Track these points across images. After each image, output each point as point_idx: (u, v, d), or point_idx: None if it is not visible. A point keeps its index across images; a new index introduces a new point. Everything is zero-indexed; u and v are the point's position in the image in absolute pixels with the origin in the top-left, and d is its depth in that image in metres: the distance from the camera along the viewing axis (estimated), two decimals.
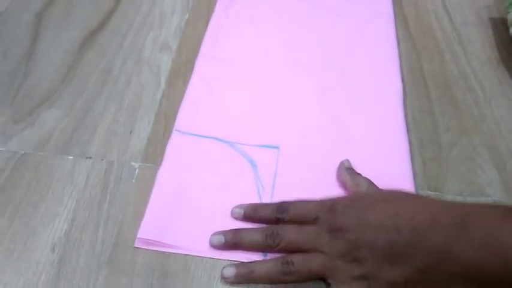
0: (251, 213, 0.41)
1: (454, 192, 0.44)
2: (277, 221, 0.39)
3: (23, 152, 0.47)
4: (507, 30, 0.58)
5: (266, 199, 0.43)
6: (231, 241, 0.39)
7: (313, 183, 0.45)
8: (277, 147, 0.47)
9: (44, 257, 0.40)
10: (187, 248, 0.40)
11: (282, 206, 0.40)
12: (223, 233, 0.40)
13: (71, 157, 0.47)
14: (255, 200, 0.43)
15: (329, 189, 0.44)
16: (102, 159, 0.47)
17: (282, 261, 0.37)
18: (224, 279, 0.38)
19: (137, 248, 0.40)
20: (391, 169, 0.46)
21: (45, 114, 0.50)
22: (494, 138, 0.49)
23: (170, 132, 0.48)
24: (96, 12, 0.62)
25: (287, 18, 0.62)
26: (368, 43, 0.59)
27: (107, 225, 0.42)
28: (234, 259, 0.40)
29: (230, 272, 0.37)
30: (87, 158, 0.47)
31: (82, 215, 0.42)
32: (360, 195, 0.40)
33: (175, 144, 0.47)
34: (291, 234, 0.38)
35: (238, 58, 0.56)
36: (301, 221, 0.38)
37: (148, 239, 0.40)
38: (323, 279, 0.37)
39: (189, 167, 0.45)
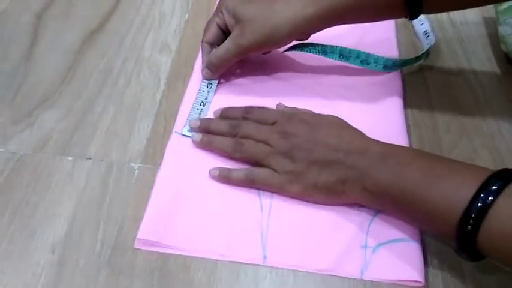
0: (223, 112, 0.49)
1: None
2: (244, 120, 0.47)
3: (22, 153, 0.47)
4: None
5: (266, 199, 0.43)
6: (203, 125, 0.47)
7: None
8: None
9: (44, 258, 0.40)
10: (187, 248, 0.40)
11: (248, 108, 0.48)
12: (199, 120, 0.48)
13: (70, 158, 0.47)
14: (256, 201, 0.43)
15: None
16: (102, 160, 0.46)
17: (236, 141, 0.45)
18: (193, 142, 0.46)
19: (137, 249, 0.40)
20: None
21: (45, 115, 0.50)
22: (495, 138, 0.49)
23: (170, 133, 0.48)
24: (96, 13, 0.62)
25: None
26: (368, 44, 0.58)
27: (107, 226, 0.42)
28: (235, 260, 0.40)
29: (196, 136, 0.47)
30: (86, 159, 0.47)
31: (81, 216, 0.42)
32: (319, 116, 0.46)
33: (175, 145, 0.47)
34: (249, 127, 0.45)
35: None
36: (262, 122, 0.46)
37: (148, 240, 0.40)
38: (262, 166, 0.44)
39: (189, 168, 0.45)
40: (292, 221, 0.42)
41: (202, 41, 0.52)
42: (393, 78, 0.54)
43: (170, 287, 0.38)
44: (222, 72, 0.52)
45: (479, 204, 0.33)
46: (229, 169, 0.44)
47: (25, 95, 0.52)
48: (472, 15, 0.64)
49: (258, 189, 0.44)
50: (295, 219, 0.42)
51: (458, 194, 0.34)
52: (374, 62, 0.53)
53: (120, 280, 0.38)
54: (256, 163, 0.44)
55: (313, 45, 0.53)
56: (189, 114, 0.49)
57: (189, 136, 0.47)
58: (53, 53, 0.57)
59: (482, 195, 0.33)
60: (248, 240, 0.41)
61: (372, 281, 0.39)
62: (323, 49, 0.53)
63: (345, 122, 0.45)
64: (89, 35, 0.59)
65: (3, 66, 0.55)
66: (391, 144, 0.41)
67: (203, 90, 0.52)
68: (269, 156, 0.43)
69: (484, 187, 0.33)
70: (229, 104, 0.50)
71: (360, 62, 0.53)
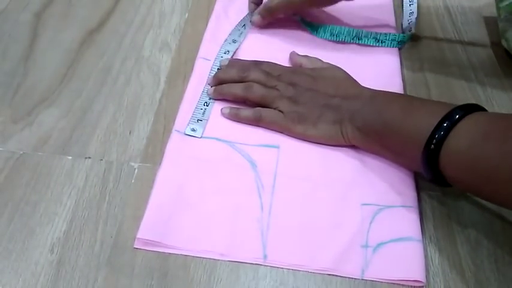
0: (231, 61, 0.54)
1: (456, 193, 0.44)
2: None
3: (21, 152, 0.47)
4: None
5: (266, 199, 0.43)
6: (214, 78, 0.52)
7: (313, 182, 0.45)
8: (277, 147, 0.47)
9: (43, 258, 0.40)
10: (186, 248, 0.40)
11: (257, 61, 0.53)
12: (211, 83, 0.52)
13: (70, 157, 0.47)
14: (256, 200, 0.43)
15: (329, 188, 0.44)
16: (101, 159, 0.46)
17: (246, 84, 0.50)
18: (207, 94, 0.51)
19: (136, 248, 0.40)
20: (393, 169, 0.45)
21: (44, 114, 0.50)
22: None
23: (170, 132, 0.48)
24: (95, 12, 0.62)
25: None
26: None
27: (106, 226, 0.41)
28: (234, 260, 0.40)
29: (210, 90, 0.51)
30: (86, 158, 0.46)
31: (81, 215, 0.42)
32: (321, 69, 0.52)
33: (175, 145, 0.47)
34: (258, 74, 0.50)
35: (238, 57, 0.56)
36: (268, 73, 0.50)
37: (148, 240, 0.40)
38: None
39: (189, 167, 0.45)
40: (293, 220, 0.42)
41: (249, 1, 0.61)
42: (393, 76, 0.54)
43: (170, 287, 0.38)
44: (270, 20, 0.57)
45: (442, 127, 0.38)
46: (238, 108, 0.49)
47: (24, 94, 0.52)
48: (473, 14, 0.64)
49: (258, 188, 0.44)
50: (295, 219, 0.42)
51: (427, 121, 0.39)
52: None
53: (120, 280, 0.38)
54: (263, 107, 0.49)
55: (325, 29, 0.59)
56: (193, 115, 0.49)
57: (192, 136, 0.47)
58: (52, 52, 0.57)
59: (446, 122, 0.38)
60: (248, 240, 0.41)
61: (372, 280, 0.39)
62: (332, 31, 0.59)
63: (345, 73, 0.50)
64: (88, 34, 0.59)
65: (3, 65, 0.55)
66: (380, 90, 0.47)
67: (206, 91, 0.51)
68: (276, 98, 0.48)
69: (449, 116, 0.38)
70: (233, 104, 0.51)
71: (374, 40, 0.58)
